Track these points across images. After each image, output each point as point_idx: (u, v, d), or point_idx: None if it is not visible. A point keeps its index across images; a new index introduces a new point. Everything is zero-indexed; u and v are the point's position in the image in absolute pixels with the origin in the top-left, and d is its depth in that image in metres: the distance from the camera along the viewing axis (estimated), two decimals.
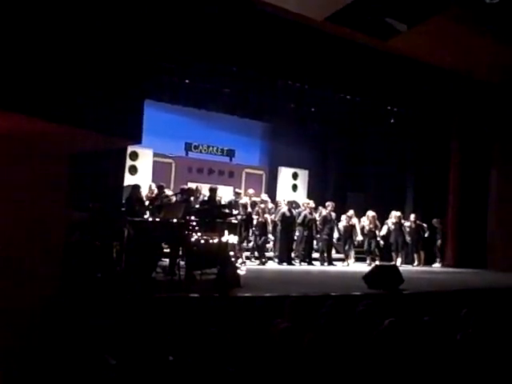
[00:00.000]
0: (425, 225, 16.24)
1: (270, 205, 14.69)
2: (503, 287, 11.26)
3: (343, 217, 15.34)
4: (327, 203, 15.04)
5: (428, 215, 16.70)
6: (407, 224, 15.96)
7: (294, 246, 14.33)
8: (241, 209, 12.78)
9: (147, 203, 11.21)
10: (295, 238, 14.29)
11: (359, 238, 15.20)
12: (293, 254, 14.26)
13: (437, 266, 16.39)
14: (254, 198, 14.14)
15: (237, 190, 14.70)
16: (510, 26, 11.67)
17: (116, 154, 10.95)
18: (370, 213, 15.53)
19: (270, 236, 14.07)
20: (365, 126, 17.72)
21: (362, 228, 15.37)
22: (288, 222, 13.90)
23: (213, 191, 11.38)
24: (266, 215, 13.82)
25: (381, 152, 18.12)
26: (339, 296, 8.13)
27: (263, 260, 13.50)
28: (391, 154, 17.97)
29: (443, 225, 16.71)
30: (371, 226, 15.36)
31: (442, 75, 15.05)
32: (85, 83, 5.49)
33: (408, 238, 15.82)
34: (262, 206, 13.99)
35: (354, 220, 15.30)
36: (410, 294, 9.29)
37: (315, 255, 14.82)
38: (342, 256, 15.38)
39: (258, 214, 13.56)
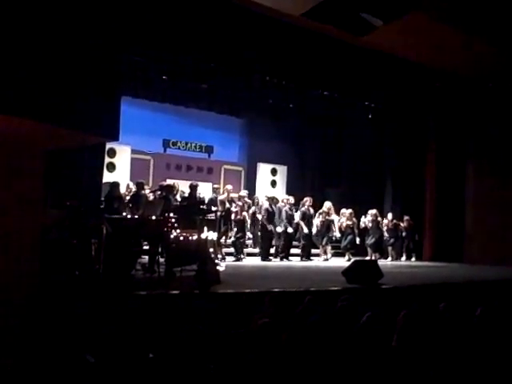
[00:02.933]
0: (402, 224, 16.31)
1: (248, 201, 14.65)
2: (480, 280, 11.39)
3: (321, 211, 15.33)
4: (305, 199, 15.06)
5: (406, 210, 16.81)
6: (385, 222, 16.07)
7: (273, 242, 14.29)
8: (219, 205, 12.75)
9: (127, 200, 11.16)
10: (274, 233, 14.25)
11: (337, 234, 15.22)
12: (273, 250, 14.27)
13: (413, 260, 16.43)
14: (232, 194, 14.11)
15: (215, 185, 14.66)
16: (484, 21, 11.78)
17: (94, 151, 10.90)
18: (347, 210, 15.54)
19: (248, 234, 14.04)
20: (343, 121, 17.83)
21: (340, 226, 15.38)
22: (270, 218, 13.92)
23: (193, 188, 11.35)
24: (244, 213, 13.79)
25: (359, 147, 18.21)
26: (318, 291, 8.15)
27: (240, 257, 13.46)
28: (369, 148, 18.06)
29: (412, 222, 16.47)
30: (348, 222, 15.36)
31: (419, 70, 15.12)
32: (60, 80, 5.43)
33: (386, 235, 15.94)
34: (240, 203, 13.96)
35: (333, 215, 15.29)
36: (389, 288, 9.35)
37: (294, 251, 14.84)
38: (319, 251, 15.40)
39: (236, 213, 13.54)
